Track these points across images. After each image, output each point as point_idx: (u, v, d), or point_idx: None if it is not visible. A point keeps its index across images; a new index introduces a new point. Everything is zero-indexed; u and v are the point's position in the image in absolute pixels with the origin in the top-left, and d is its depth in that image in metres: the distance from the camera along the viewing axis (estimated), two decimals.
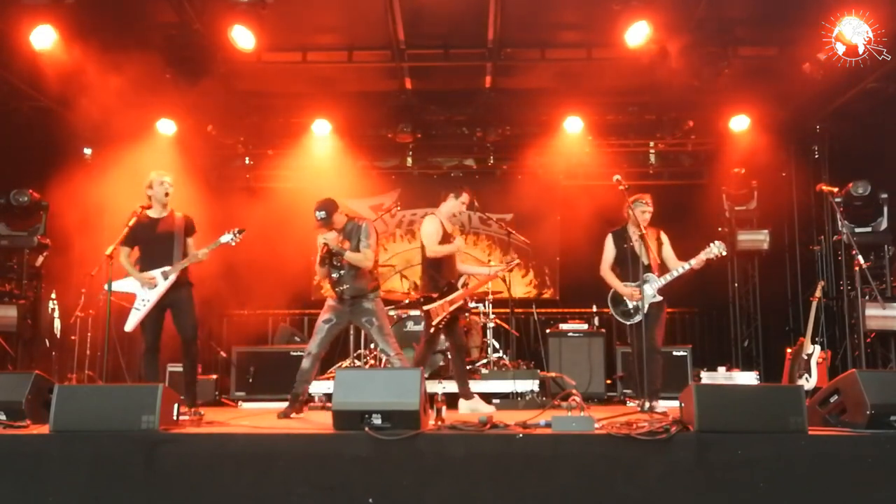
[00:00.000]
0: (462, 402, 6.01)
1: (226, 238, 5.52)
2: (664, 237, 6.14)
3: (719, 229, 8.60)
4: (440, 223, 6.01)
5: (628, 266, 5.89)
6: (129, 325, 5.46)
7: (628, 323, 5.93)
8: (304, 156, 8.90)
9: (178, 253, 5.53)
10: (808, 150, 8.65)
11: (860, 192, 7.19)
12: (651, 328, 5.76)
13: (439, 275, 5.95)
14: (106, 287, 5.33)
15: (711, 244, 5.82)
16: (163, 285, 5.44)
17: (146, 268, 5.49)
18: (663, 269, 5.97)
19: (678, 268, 5.89)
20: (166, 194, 5.58)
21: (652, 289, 5.81)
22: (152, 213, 5.60)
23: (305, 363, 5.50)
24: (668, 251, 6.09)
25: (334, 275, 5.51)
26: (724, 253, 5.82)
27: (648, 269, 5.86)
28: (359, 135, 8.97)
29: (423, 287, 6.07)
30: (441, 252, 5.91)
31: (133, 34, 6.85)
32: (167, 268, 5.46)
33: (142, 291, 5.45)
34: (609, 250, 6.10)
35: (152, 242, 5.54)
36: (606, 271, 6.09)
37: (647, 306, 5.70)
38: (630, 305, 5.91)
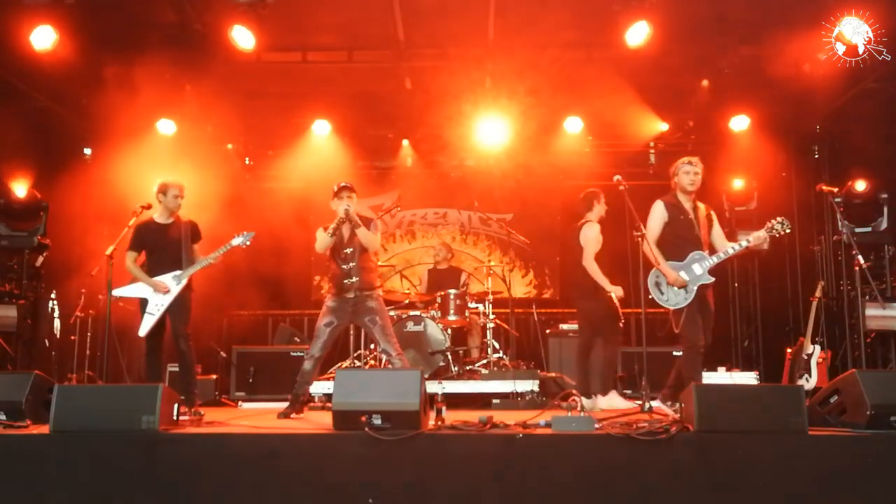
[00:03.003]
0: (600, 398, 6.00)
1: (237, 241, 5.56)
2: (714, 215, 5.44)
3: None
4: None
5: (681, 242, 5.20)
6: (144, 329, 5.47)
7: (671, 308, 5.16)
8: (304, 156, 8.90)
9: (186, 258, 5.55)
10: (808, 150, 8.64)
11: (860, 189, 7.22)
12: (707, 318, 5.22)
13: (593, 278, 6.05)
14: (121, 291, 5.43)
15: (773, 220, 5.13)
16: (175, 290, 5.48)
17: (154, 273, 5.52)
18: (711, 249, 5.32)
19: (732, 246, 5.25)
20: (178, 206, 5.61)
21: (702, 268, 5.16)
22: (159, 219, 5.63)
23: (307, 365, 5.48)
24: (717, 230, 5.39)
25: (344, 266, 5.48)
26: (788, 230, 5.14)
27: (699, 246, 5.20)
28: (359, 135, 8.98)
29: (583, 291, 6.01)
30: (592, 262, 5.96)
31: (133, 34, 6.85)
32: (178, 272, 5.50)
33: (154, 296, 5.47)
34: (658, 220, 5.26)
35: (161, 249, 5.57)
36: (653, 244, 5.22)
37: (695, 289, 5.14)
38: (685, 285, 5.13)
